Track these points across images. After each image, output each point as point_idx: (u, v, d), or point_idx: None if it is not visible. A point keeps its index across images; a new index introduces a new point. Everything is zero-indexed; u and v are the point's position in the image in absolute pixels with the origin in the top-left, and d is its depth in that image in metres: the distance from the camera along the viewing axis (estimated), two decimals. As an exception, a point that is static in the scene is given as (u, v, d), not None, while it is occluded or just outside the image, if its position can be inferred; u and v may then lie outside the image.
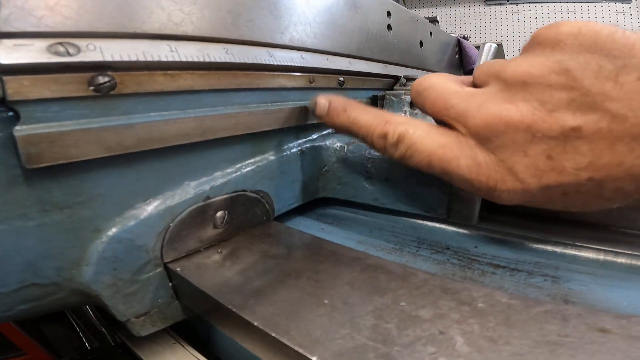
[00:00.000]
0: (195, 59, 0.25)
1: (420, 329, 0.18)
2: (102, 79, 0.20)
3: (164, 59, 0.23)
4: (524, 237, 0.31)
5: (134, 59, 0.21)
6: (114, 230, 0.23)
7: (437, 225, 0.34)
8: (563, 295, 0.24)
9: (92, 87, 0.20)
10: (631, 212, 0.31)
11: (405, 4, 3.18)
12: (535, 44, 0.22)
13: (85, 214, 0.22)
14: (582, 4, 2.69)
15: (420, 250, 0.30)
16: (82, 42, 0.20)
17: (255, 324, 0.19)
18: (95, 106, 0.20)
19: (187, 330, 0.28)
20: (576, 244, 0.29)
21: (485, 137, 0.22)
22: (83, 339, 0.51)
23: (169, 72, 0.23)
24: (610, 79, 0.19)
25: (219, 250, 0.27)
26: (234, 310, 0.20)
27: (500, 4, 2.93)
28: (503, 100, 0.22)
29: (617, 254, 0.28)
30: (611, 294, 0.24)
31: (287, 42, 0.34)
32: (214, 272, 0.24)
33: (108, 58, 0.20)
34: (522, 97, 0.21)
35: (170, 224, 0.25)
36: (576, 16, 2.70)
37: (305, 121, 0.35)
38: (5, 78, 0.17)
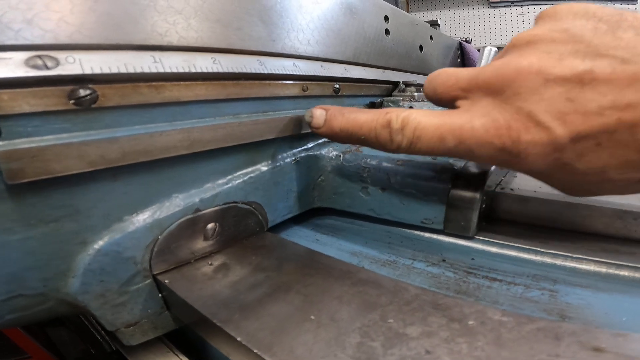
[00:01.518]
0: (181, 70, 0.25)
1: (407, 348, 0.18)
2: (82, 92, 0.20)
3: (147, 70, 0.23)
4: (522, 248, 0.31)
5: (115, 71, 0.21)
6: (100, 243, 0.23)
7: (434, 236, 0.34)
8: (560, 310, 0.24)
9: (72, 101, 0.20)
10: (635, 222, 0.31)
11: (408, 8, 3.20)
12: (537, 20, 0.24)
13: (71, 227, 0.22)
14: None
15: (415, 263, 0.30)
16: (61, 55, 0.20)
17: (239, 339, 0.19)
18: (77, 120, 0.20)
19: (182, 339, 0.28)
20: (576, 256, 0.29)
21: (497, 88, 0.23)
22: (87, 343, 0.52)
23: (154, 83, 0.23)
24: (609, 34, 0.20)
25: (210, 263, 0.27)
26: (218, 324, 0.20)
27: (505, 6, 2.93)
28: (511, 57, 0.23)
29: (619, 266, 0.28)
30: (611, 309, 0.24)
31: (279, 49, 0.34)
32: (203, 284, 0.25)
33: (88, 71, 0.20)
34: (529, 52, 0.22)
35: (159, 237, 0.25)
36: None
37: (299, 131, 0.35)
38: None
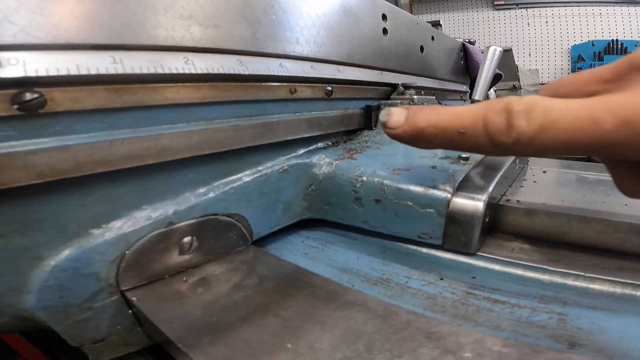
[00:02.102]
0: (145, 71, 0.23)
1: (392, 389, 0.15)
2: (28, 96, 0.18)
3: (104, 71, 0.21)
4: (529, 266, 0.29)
5: (64, 73, 0.20)
6: (57, 258, 0.21)
7: (432, 251, 0.32)
8: (569, 336, 0.22)
9: (16, 106, 0.18)
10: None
11: (411, 10, 3.19)
12: None
13: (22, 243, 0.20)
14: (593, 7, 2.70)
15: (410, 281, 0.28)
16: (4, 55, 0.18)
17: (204, 367, 0.17)
18: (22, 126, 0.19)
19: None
20: (588, 274, 0.27)
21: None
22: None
23: (113, 86, 0.22)
24: None
25: (185, 279, 0.26)
26: (182, 349, 0.19)
27: (510, 8, 2.94)
28: None
29: (636, 286, 0.26)
30: (626, 334, 0.22)
31: (262, 49, 0.32)
32: (174, 303, 0.23)
33: (32, 73, 0.18)
34: None
35: (126, 252, 0.23)
36: (587, 20, 2.72)
37: (287, 136, 0.33)
38: None
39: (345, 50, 0.43)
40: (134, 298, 0.23)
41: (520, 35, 2.92)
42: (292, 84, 0.34)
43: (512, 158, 0.39)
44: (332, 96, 0.40)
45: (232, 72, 0.28)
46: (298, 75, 0.34)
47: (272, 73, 0.31)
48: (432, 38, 0.70)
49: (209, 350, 0.18)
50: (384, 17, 0.52)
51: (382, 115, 0.27)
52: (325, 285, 0.24)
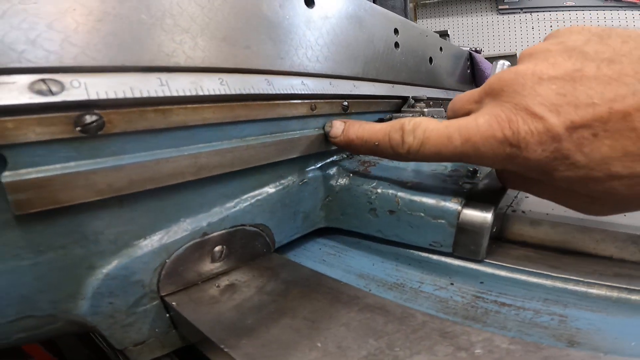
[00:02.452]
0: (188, 93, 0.25)
1: (413, 380, 0.18)
2: (89, 119, 0.20)
3: (153, 94, 0.23)
4: (533, 272, 0.30)
5: (121, 96, 0.22)
6: (108, 267, 0.23)
7: (443, 259, 0.34)
8: (569, 336, 0.24)
9: (78, 128, 0.20)
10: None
11: (415, 15, 3.21)
12: (544, 39, 0.28)
13: (79, 253, 0.22)
14: (597, 11, 2.71)
15: (422, 286, 0.30)
16: (66, 78, 0.20)
17: (245, 365, 0.19)
18: (83, 147, 0.21)
19: (191, 355, 0.29)
20: (587, 280, 0.29)
21: (498, 90, 0.26)
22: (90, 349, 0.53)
23: (160, 107, 0.24)
24: (598, 43, 0.23)
25: (217, 284, 0.28)
26: (224, 349, 0.21)
27: (514, 12, 2.94)
28: (514, 66, 0.27)
29: (631, 291, 0.28)
30: (621, 334, 0.24)
31: (287, 67, 0.34)
32: (209, 307, 0.25)
33: (93, 96, 0.21)
34: (528, 60, 0.26)
35: (167, 260, 0.26)
36: (592, 24, 2.73)
37: (307, 151, 0.35)
38: None
39: (360, 66, 0.45)
40: (173, 303, 0.25)
41: (524, 39, 2.93)
42: (312, 100, 0.36)
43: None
44: (348, 111, 0.42)
45: (261, 91, 0.30)
46: (318, 92, 0.37)
47: (296, 91, 0.34)
48: (441, 49, 0.73)
49: (248, 349, 0.20)
50: (396, 31, 0.54)
51: (326, 127, 0.37)
52: (346, 290, 0.26)
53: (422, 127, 0.29)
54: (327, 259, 0.35)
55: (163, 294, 0.26)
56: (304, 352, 0.20)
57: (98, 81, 0.21)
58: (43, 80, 0.19)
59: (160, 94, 0.24)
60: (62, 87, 0.20)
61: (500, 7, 2.96)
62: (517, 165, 0.25)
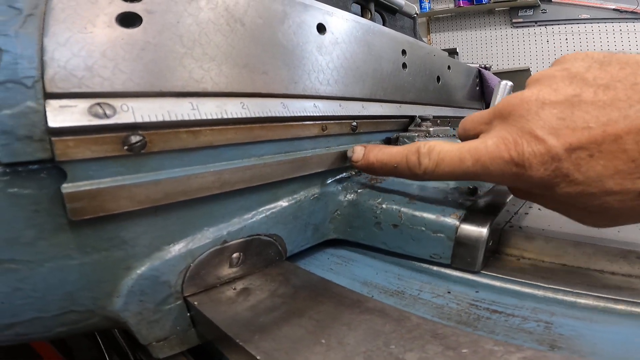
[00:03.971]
0: (214, 116, 0.29)
1: (404, 371, 0.21)
2: (134, 139, 0.25)
3: (186, 117, 0.27)
4: (525, 283, 0.33)
5: (160, 119, 0.26)
6: (142, 268, 0.27)
7: (442, 269, 0.37)
8: (551, 341, 0.26)
9: (126, 147, 0.24)
10: (639, 261, 0.34)
11: (429, 29, 3.24)
12: (551, 65, 0.31)
13: (119, 255, 0.26)
14: (612, 23, 2.70)
15: (421, 294, 0.33)
16: (117, 102, 0.24)
17: (258, 357, 0.23)
18: (129, 164, 0.25)
19: (203, 355, 0.32)
20: (576, 290, 0.32)
21: (506, 114, 0.29)
22: (103, 350, 0.56)
23: (192, 129, 0.28)
24: (598, 70, 0.26)
25: (234, 287, 0.32)
26: (240, 343, 0.24)
27: (528, 26, 2.95)
28: (521, 91, 0.30)
29: (617, 301, 0.30)
30: (600, 340, 0.26)
31: (300, 91, 0.38)
32: (227, 307, 0.29)
33: (139, 119, 0.25)
34: (534, 86, 0.29)
35: (191, 264, 0.29)
36: (607, 36, 2.71)
37: (318, 169, 0.39)
38: (53, 139, 0.22)
39: (369, 87, 0.49)
40: (195, 302, 0.29)
41: (539, 53, 2.93)
42: (323, 122, 0.40)
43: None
44: (357, 131, 0.45)
45: (277, 114, 0.34)
46: (329, 114, 0.40)
47: (308, 114, 0.38)
48: (449, 67, 0.75)
49: (260, 344, 0.24)
50: (404, 52, 0.57)
51: (348, 152, 0.40)
52: (349, 295, 0.30)
53: (437, 150, 0.32)
54: (334, 268, 0.39)
55: (186, 295, 0.29)
56: (310, 347, 0.23)
57: (141, 105, 0.25)
58: (99, 105, 0.23)
59: (192, 117, 0.28)
60: (115, 111, 0.24)
61: (514, 20, 2.97)
62: (522, 182, 0.28)
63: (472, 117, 0.34)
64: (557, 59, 0.31)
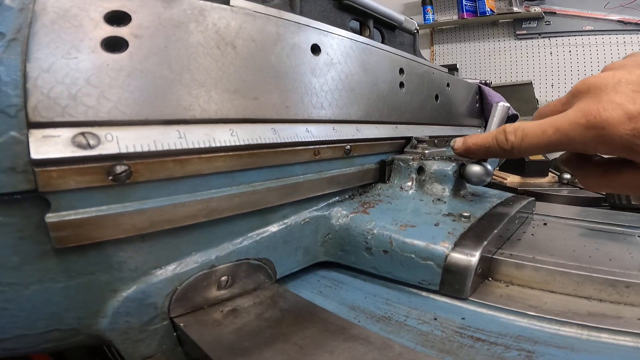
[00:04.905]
0: (202, 145, 0.29)
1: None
2: (119, 169, 0.25)
3: (173, 147, 0.28)
4: (512, 311, 0.34)
5: (146, 149, 0.26)
6: (128, 291, 0.28)
7: (431, 295, 0.38)
8: (531, 370, 0.27)
9: (110, 177, 0.25)
10: (627, 290, 0.34)
11: (432, 41, 3.26)
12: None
13: (105, 279, 0.27)
14: (617, 35, 2.70)
15: (408, 320, 0.34)
16: (101, 132, 0.25)
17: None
18: (114, 193, 0.26)
19: None
20: (560, 319, 0.32)
21: (584, 90, 0.32)
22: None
23: (178, 158, 0.28)
24: None
25: (221, 309, 0.32)
26: None
27: (532, 38, 2.96)
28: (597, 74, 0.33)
29: (601, 329, 0.31)
30: None
31: (292, 116, 0.38)
32: (212, 329, 0.30)
33: (124, 150, 0.25)
34: (607, 70, 0.33)
35: (178, 287, 0.30)
36: (612, 48, 2.71)
37: (309, 194, 0.39)
38: (37, 170, 0.22)
39: (364, 109, 0.49)
40: (181, 323, 0.30)
41: (542, 65, 2.93)
42: (316, 146, 0.40)
43: (510, 214, 0.45)
44: (351, 154, 0.45)
45: (267, 141, 0.34)
46: (321, 139, 0.40)
47: (300, 139, 0.38)
48: (448, 85, 0.74)
49: None
50: (401, 71, 0.56)
51: (451, 143, 0.46)
52: (335, 321, 0.30)
53: (521, 127, 0.36)
54: (323, 291, 0.39)
55: (173, 316, 0.30)
56: (291, 374, 0.24)
57: (127, 134, 0.26)
58: (83, 134, 0.24)
59: (179, 147, 0.28)
60: (99, 141, 0.24)
61: (518, 32, 2.98)
62: (605, 145, 0.31)
63: (548, 104, 0.39)
64: (628, 54, 0.35)
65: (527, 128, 0.36)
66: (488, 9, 2.98)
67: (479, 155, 0.44)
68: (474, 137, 0.44)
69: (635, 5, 2.59)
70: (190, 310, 0.31)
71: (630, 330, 0.30)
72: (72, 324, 0.27)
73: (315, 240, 0.42)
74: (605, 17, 2.72)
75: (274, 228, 0.37)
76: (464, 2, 3.06)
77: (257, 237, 0.35)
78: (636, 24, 2.63)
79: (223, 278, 0.33)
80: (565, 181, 1.29)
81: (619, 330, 0.31)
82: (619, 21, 2.69)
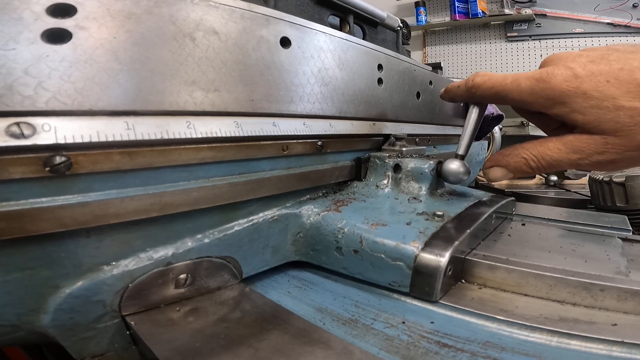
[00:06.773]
0: (153, 137, 0.28)
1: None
2: (58, 160, 0.24)
3: (119, 138, 0.26)
4: (481, 315, 0.33)
5: (87, 140, 0.25)
6: (72, 287, 0.27)
7: (401, 297, 0.36)
8: (496, 377, 0.26)
9: (47, 168, 0.23)
10: (601, 294, 0.33)
11: (424, 42, 3.27)
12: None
13: (45, 274, 0.26)
14: (606, 37, 2.74)
15: (375, 323, 0.32)
16: (38, 121, 0.23)
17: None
18: (52, 185, 0.24)
19: None
20: (530, 324, 0.31)
21: (549, 60, 0.38)
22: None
23: (126, 150, 0.27)
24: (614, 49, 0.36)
25: (178, 309, 0.31)
26: None
27: (523, 40, 2.99)
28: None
29: (572, 336, 0.30)
30: None
31: (257, 109, 0.36)
32: (165, 328, 0.28)
33: (61, 140, 0.24)
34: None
35: (130, 284, 0.29)
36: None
37: (277, 191, 0.38)
38: None
39: (338, 105, 0.47)
40: (132, 322, 0.29)
41: (533, 67, 2.95)
42: (284, 141, 0.38)
43: (486, 214, 0.44)
44: (323, 150, 0.44)
45: (228, 134, 0.33)
46: (290, 133, 0.39)
47: (265, 133, 0.36)
48: (430, 83, 0.72)
49: None
50: (380, 67, 0.54)
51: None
52: (297, 323, 0.29)
53: (490, 74, 0.42)
54: (292, 291, 0.38)
55: (124, 314, 0.29)
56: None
57: (68, 125, 0.24)
58: (17, 124, 0.23)
59: (126, 138, 0.26)
60: (34, 131, 0.23)
61: (509, 34, 3.01)
62: (544, 96, 0.36)
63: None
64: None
65: (494, 75, 0.41)
66: (480, 11, 3.00)
67: (455, 94, 0.49)
68: (453, 85, 0.49)
69: (625, 7, 2.62)
70: (145, 308, 0.30)
71: (602, 337, 0.29)
72: (11, 319, 0.26)
73: (285, 239, 0.41)
74: (596, 20, 2.75)
75: (238, 226, 0.36)
76: (456, 4, 3.08)
77: (219, 234, 0.34)
78: (626, 26, 2.66)
79: (182, 276, 0.32)
80: (552, 183, 1.29)
81: (590, 337, 0.29)
82: (608, 24, 2.72)
